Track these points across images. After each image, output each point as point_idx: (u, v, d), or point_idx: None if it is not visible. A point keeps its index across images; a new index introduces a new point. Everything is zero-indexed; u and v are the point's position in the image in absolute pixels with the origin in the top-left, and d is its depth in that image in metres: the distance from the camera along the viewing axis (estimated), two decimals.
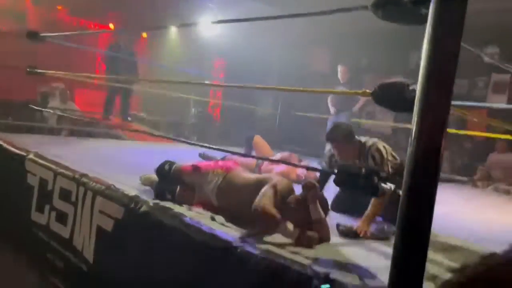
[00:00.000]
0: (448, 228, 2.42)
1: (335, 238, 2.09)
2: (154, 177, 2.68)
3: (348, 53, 7.28)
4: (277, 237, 1.91)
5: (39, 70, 4.10)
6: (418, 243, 1.26)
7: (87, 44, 7.60)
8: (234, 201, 2.25)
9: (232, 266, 1.74)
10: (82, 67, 6.93)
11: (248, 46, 7.97)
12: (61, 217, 2.71)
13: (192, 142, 2.89)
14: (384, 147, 2.53)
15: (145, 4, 7.47)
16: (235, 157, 3.58)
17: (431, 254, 1.73)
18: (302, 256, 1.68)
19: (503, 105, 6.24)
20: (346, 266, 1.61)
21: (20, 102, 5.31)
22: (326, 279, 1.44)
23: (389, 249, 1.34)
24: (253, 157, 3.37)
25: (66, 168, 2.86)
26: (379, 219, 2.37)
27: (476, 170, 6.08)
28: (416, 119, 1.23)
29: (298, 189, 2.18)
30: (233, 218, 2.13)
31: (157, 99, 7.77)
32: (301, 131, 7.48)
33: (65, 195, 2.72)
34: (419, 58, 1.25)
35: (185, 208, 2.21)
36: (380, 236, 2.17)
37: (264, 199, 2.00)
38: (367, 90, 1.64)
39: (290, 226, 1.94)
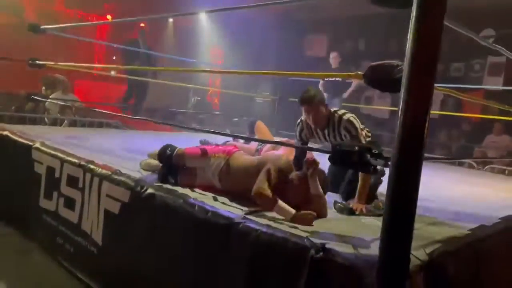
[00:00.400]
0: (440, 205, 2.52)
1: (332, 214, 2.20)
2: (154, 162, 2.71)
3: (342, 39, 7.36)
4: (277, 214, 2.02)
5: (39, 62, 4.18)
6: (405, 213, 1.35)
7: (85, 36, 7.65)
8: (236, 183, 2.34)
9: (234, 241, 1.85)
10: (83, 58, 7.01)
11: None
12: (69, 203, 2.81)
13: (197, 128, 2.94)
14: (354, 118, 2.54)
15: None
16: (235, 142, 3.67)
17: (421, 229, 1.84)
18: (300, 230, 1.78)
19: (495, 87, 6.36)
20: (341, 238, 1.71)
21: (23, 94, 5.38)
22: (323, 248, 1.55)
23: None
24: (255, 140, 3.44)
25: (73, 155, 2.95)
26: None
27: (473, 151, 6.24)
28: (402, 96, 1.32)
29: None
30: (235, 199, 2.22)
31: (158, 89, 7.84)
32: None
33: (72, 181, 2.82)
34: None
35: (189, 190, 2.31)
36: (376, 213, 2.28)
37: (260, 183, 2.09)
38: (359, 72, 1.74)
39: (286, 206, 2.03)
